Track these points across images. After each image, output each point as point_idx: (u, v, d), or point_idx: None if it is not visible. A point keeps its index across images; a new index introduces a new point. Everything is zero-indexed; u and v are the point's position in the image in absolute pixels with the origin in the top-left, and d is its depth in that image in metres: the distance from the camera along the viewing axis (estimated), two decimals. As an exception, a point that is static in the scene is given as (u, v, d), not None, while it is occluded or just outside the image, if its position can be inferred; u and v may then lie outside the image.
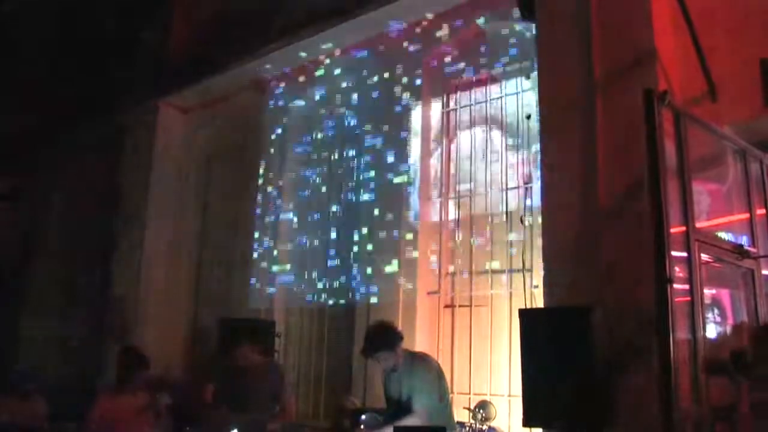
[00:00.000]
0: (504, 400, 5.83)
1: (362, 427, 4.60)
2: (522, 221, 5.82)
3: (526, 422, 4.05)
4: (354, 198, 7.44)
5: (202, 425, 4.80)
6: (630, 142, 4.22)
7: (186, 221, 8.42)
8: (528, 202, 5.93)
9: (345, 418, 5.65)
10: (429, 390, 4.38)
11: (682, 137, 4.02)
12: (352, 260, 7.24)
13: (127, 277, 7.85)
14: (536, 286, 5.34)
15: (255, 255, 8.08)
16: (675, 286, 3.64)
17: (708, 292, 4.19)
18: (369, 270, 7.01)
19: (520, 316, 4.21)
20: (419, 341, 6.23)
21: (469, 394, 6.09)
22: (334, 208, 7.58)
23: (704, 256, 4.02)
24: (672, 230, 3.77)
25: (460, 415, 5.40)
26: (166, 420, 4.98)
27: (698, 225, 4.07)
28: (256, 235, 8.13)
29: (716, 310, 4.45)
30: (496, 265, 6.22)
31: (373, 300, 6.89)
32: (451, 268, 6.57)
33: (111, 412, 4.76)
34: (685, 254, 3.86)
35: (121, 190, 8.57)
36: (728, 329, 4.45)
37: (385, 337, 4.50)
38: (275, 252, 7.94)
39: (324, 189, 7.74)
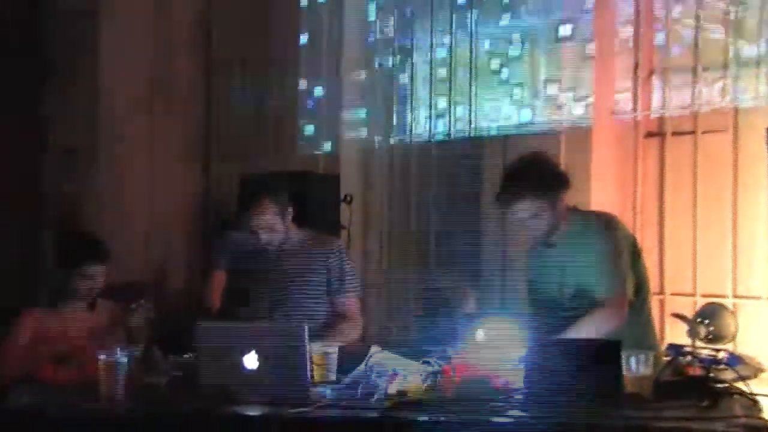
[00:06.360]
0: (759, 305, 4.88)
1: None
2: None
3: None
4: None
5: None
6: None
7: (177, 23, 6.90)
8: None
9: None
10: (617, 272, 3.68)
11: None
12: (477, 69, 5.94)
13: (78, 122, 6.69)
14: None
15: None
16: None
17: None
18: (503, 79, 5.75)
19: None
20: (595, 199, 5.25)
21: (694, 295, 5.09)
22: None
23: None
24: None
25: (674, 334, 4.38)
26: (146, 342, 4.08)
27: None
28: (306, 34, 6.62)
29: None
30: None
31: (513, 129, 5.70)
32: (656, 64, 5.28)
33: (47, 335, 4.18)
34: None
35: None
36: None
37: (540, 173, 3.78)
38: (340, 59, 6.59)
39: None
